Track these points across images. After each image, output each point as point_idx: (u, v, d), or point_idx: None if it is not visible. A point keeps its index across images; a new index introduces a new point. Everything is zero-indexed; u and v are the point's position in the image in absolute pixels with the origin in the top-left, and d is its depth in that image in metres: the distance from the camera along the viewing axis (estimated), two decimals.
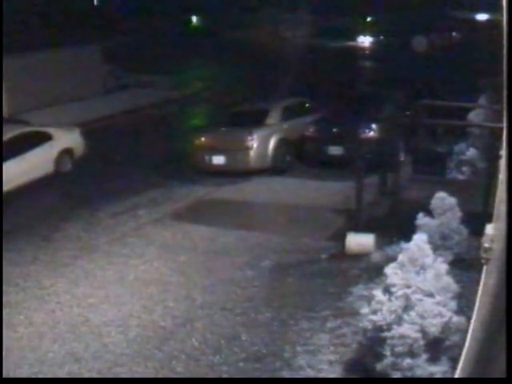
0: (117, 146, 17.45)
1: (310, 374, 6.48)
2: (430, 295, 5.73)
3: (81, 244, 10.68)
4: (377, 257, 9.17)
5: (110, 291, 8.78)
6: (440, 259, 6.07)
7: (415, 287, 5.72)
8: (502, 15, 2.99)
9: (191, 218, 11.97)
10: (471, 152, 12.34)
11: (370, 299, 6.23)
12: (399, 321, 5.70)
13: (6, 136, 13.23)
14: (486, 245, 3.22)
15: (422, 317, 5.65)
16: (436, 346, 5.72)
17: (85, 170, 15.08)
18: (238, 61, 30.18)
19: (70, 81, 22.87)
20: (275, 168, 14.44)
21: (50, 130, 14.69)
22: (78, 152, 15.16)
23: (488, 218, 3.45)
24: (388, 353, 5.70)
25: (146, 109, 22.94)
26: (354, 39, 39.85)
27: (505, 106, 3.00)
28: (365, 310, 6.13)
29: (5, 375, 6.70)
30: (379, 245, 9.45)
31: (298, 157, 14.91)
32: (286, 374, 6.53)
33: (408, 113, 14.64)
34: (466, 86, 17.03)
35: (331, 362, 6.62)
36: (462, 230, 8.53)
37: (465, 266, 7.85)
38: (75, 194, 13.44)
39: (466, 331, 3.43)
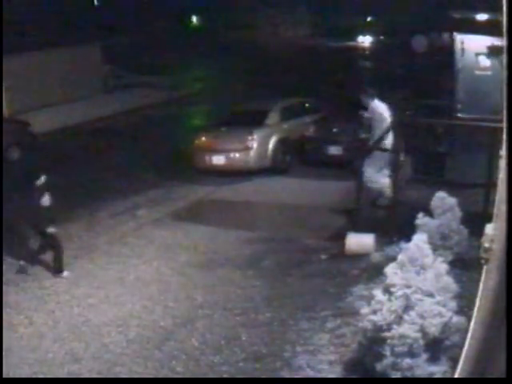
0: (117, 146, 17.47)
1: (309, 374, 6.47)
2: (430, 295, 5.73)
3: (81, 244, 10.68)
4: (377, 257, 9.16)
5: (110, 291, 8.78)
6: (440, 259, 6.07)
7: (415, 287, 5.71)
8: (502, 15, 2.99)
9: (191, 217, 11.98)
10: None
11: (369, 299, 6.23)
12: (399, 321, 5.69)
13: None
14: (486, 245, 3.21)
15: (421, 317, 5.65)
16: (436, 346, 5.72)
17: (84, 170, 15.11)
18: (238, 61, 30.19)
19: (70, 81, 22.90)
20: (275, 168, 14.44)
21: None
22: None
23: (488, 218, 3.45)
24: (388, 353, 5.69)
25: (146, 109, 22.95)
26: (354, 39, 39.84)
27: (505, 105, 2.99)
28: (365, 310, 6.12)
29: (5, 375, 6.69)
30: (379, 245, 9.44)
31: (297, 157, 14.91)
32: (285, 374, 6.52)
33: (408, 113, 14.63)
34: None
35: (331, 362, 6.61)
36: (462, 230, 8.53)
37: (465, 265, 7.84)
38: (75, 193, 13.44)
39: (466, 331, 3.43)
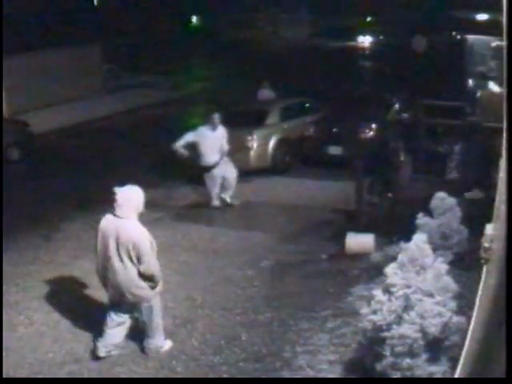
0: (116, 145, 17.46)
1: (309, 374, 6.47)
2: (430, 295, 5.72)
3: (81, 244, 10.67)
4: (377, 257, 9.16)
5: None
6: (440, 259, 6.07)
7: (415, 287, 5.71)
8: (502, 15, 2.99)
9: (191, 218, 11.97)
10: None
11: (369, 299, 6.23)
12: (399, 321, 5.69)
13: None
14: (486, 245, 3.21)
15: (421, 317, 5.64)
16: (436, 346, 5.72)
17: (84, 170, 15.10)
18: (238, 61, 30.18)
19: (70, 81, 22.89)
20: (275, 168, 14.43)
21: None
22: None
23: (488, 218, 3.45)
24: (388, 353, 5.69)
25: (146, 109, 22.94)
26: (354, 39, 39.79)
27: (505, 106, 2.99)
28: (365, 309, 6.12)
29: (5, 375, 6.69)
30: (379, 245, 9.45)
31: (298, 157, 14.90)
32: (286, 374, 6.52)
33: (408, 113, 14.64)
34: (465, 85, 17.03)
35: (331, 362, 6.61)
36: (462, 230, 8.53)
37: (465, 265, 7.85)
38: (75, 193, 13.43)
39: (466, 331, 3.43)
